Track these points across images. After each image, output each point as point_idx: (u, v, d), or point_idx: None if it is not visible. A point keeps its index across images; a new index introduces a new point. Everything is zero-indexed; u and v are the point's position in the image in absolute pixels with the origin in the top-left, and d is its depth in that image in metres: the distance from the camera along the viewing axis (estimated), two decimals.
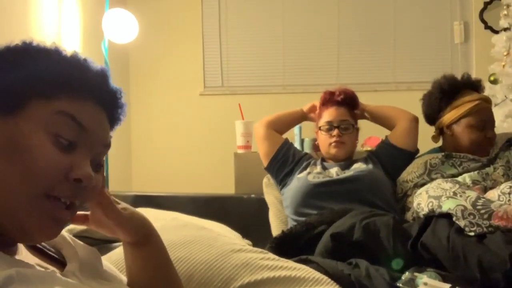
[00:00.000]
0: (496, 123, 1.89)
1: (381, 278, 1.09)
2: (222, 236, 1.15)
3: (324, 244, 1.33)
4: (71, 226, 1.26)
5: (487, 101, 1.84)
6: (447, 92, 1.82)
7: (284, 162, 1.92)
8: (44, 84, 0.62)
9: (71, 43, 2.66)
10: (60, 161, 0.60)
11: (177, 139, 3.63)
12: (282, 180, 1.92)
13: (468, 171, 1.68)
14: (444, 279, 1.08)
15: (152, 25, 3.41)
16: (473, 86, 1.85)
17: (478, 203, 1.32)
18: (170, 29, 3.62)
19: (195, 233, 1.12)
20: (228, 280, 0.96)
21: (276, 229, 1.88)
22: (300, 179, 1.79)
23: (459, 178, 1.62)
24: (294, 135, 2.38)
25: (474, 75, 1.89)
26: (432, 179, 1.67)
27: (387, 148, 1.90)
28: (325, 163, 1.89)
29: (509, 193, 1.39)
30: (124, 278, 0.80)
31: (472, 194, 1.38)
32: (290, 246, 1.42)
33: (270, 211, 1.99)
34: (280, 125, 2.02)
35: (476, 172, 1.66)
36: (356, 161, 1.86)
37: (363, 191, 1.71)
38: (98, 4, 2.80)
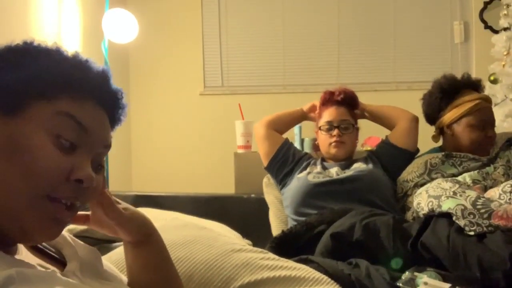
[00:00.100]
0: (496, 123, 1.89)
1: (381, 277, 1.09)
2: (222, 236, 1.15)
3: (324, 244, 1.34)
4: (72, 226, 1.26)
5: (487, 100, 1.84)
6: (447, 91, 1.82)
7: (284, 162, 1.92)
8: (45, 84, 0.62)
9: (71, 43, 2.66)
10: (61, 162, 0.60)
11: (177, 139, 3.63)
12: (282, 180, 1.92)
13: (468, 170, 1.68)
14: (444, 279, 1.08)
15: (152, 25, 3.41)
16: (474, 85, 1.85)
17: (478, 203, 1.32)
18: (170, 29, 3.62)
19: (195, 233, 1.12)
20: (228, 280, 0.96)
21: (276, 229, 1.89)
22: (300, 179, 1.79)
23: (459, 178, 1.62)
24: (294, 135, 2.39)
25: (474, 75, 1.89)
26: (432, 179, 1.67)
27: (387, 148, 1.90)
28: (325, 163, 1.89)
29: (510, 192, 1.39)
30: (124, 278, 0.80)
31: (472, 194, 1.38)
32: (290, 246, 1.42)
33: (270, 211, 1.99)
34: (280, 125, 2.02)
35: (476, 171, 1.66)
36: (356, 161, 1.86)
37: (363, 191, 1.71)
38: (98, 4, 2.81)
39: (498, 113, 2.54)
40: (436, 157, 1.76)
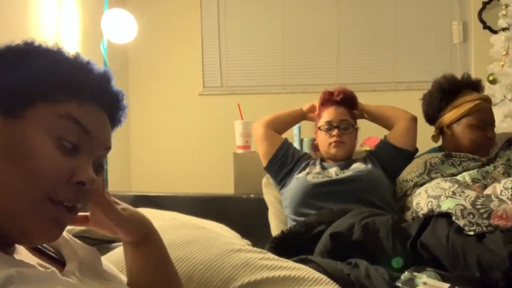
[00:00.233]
0: (495, 123, 1.89)
1: (380, 277, 1.09)
2: (222, 236, 1.15)
3: (324, 244, 1.34)
4: (71, 227, 1.26)
5: (487, 101, 1.84)
6: (447, 91, 1.82)
7: (283, 162, 1.92)
8: (47, 86, 0.61)
9: (70, 43, 2.66)
10: (63, 165, 0.60)
11: (176, 139, 3.63)
12: (281, 180, 1.92)
13: (467, 170, 1.68)
14: (444, 279, 1.08)
15: (151, 25, 3.41)
16: (473, 86, 1.85)
17: (477, 203, 1.32)
18: (169, 29, 3.62)
19: (195, 233, 1.12)
20: (227, 280, 0.96)
21: (275, 229, 1.88)
22: (299, 179, 1.79)
23: (459, 177, 1.62)
24: (293, 135, 2.38)
25: (473, 75, 1.89)
26: (432, 179, 1.67)
27: (386, 148, 1.90)
28: (324, 163, 1.89)
29: (511, 188, 1.39)
30: (124, 278, 0.80)
31: (472, 194, 1.38)
32: (289, 246, 1.42)
33: (269, 211, 1.99)
34: (279, 125, 2.02)
35: (475, 170, 1.66)
36: (355, 161, 1.86)
37: (362, 191, 1.71)
38: (97, 4, 2.80)
39: (497, 113, 2.54)
40: (435, 157, 1.76)
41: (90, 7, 2.88)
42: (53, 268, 0.60)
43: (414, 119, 1.91)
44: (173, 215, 1.63)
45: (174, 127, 3.64)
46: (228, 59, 3.66)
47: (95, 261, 0.74)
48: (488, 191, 1.49)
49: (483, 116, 1.78)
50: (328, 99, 1.92)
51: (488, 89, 2.66)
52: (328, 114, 1.89)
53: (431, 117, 1.90)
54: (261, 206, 2.03)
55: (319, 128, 1.90)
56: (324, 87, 2.01)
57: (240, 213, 2.12)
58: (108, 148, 0.68)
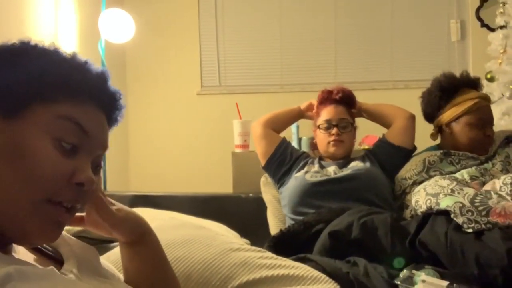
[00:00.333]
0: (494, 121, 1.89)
1: (379, 276, 1.09)
2: (220, 235, 1.15)
3: (322, 243, 1.34)
4: (69, 227, 1.26)
5: (486, 99, 1.84)
6: (446, 90, 1.83)
7: (282, 161, 1.92)
8: (45, 87, 0.61)
9: (67, 43, 2.66)
10: (62, 166, 0.60)
11: (174, 139, 3.63)
12: (280, 179, 1.92)
13: (466, 168, 1.69)
14: (442, 276, 1.08)
15: (149, 25, 3.41)
16: (472, 84, 1.85)
17: (476, 200, 1.33)
18: (167, 29, 3.62)
19: (193, 232, 1.12)
20: (226, 279, 0.96)
21: (274, 228, 1.88)
22: (298, 178, 1.79)
23: (457, 174, 1.63)
24: (291, 134, 2.38)
25: (471, 73, 1.89)
26: (430, 177, 1.67)
27: (385, 146, 1.90)
28: (322, 162, 1.89)
29: (511, 184, 1.39)
30: (122, 276, 0.80)
31: (470, 191, 1.38)
32: (288, 245, 1.42)
33: (268, 210, 1.99)
34: (278, 124, 2.02)
35: (474, 168, 1.66)
36: (353, 160, 1.86)
37: (361, 189, 1.71)
38: (95, 4, 2.80)
39: (495, 111, 2.54)
40: (434, 155, 1.77)
41: (88, 7, 2.88)
42: (51, 266, 0.60)
43: (412, 117, 1.91)
44: (171, 214, 1.63)
45: (172, 126, 3.64)
46: (226, 58, 3.66)
47: (93, 259, 0.74)
48: (487, 187, 1.50)
49: (482, 115, 1.79)
50: (327, 98, 1.92)
51: (486, 87, 2.66)
52: (327, 113, 1.89)
53: (430, 115, 1.90)
54: (259, 205, 2.03)
55: (318, 127, 1.90)
56: (322, 86, 2.01)
57: (239, 212, 2.11)
58: (105, 148, 0.68)
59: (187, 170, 3.54)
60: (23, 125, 0.59)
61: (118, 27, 2.63)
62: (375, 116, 2.00)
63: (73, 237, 0.75)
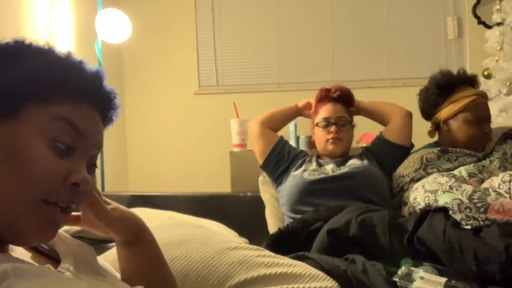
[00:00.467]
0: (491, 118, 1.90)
1: (377, 273, 1.09)
2: (218, 234, 1.14)
3: (321, 241, 1.33)
4: (67, 227, 1.25)
5: (483, 96, 1.84)
6: (443, 87, 1.83)
7: (280, 160, 1.92)
8: (40, 86, 0.61)
9: (64, 43, 2.65)
10: (58, 167, 0.60)
11: (172, 139, 3.63)
12: (278, 178, 1.92)
13: (463, 165, 1.69)
14: (441, 273, 1.08)
15: (145, 25, 3.40)
16: (470, 81, 1.86)
17: (474, 197, 1.33)
18: (164, 29, 3.61)
19: (191, 231, 1.12)
20: (224, 277, 0.96)
21: (272, 227, 1.89)
22: (296, 177, 1.79)
23: (455, 172, 1.63)
24: (289, 133, 2.38)
25: (468, 70, 1.89)
26: (428, 174, 1.68)
27: (382, 144, 1.90)
28: (320, 160, 1.89)
29: (509, 181, 1.39)
30: (119, 275, 0.80)
31: (468, 188, 1.38)
32: (286, 243, 1.42)
33: (266, 208, 1.99)
34: (275, 123, 2.01)
35: (472, 165, 1.66)
36: (351, 158, 1.86)
37: (359, 187, 1.71)
38: (91, 4, 2.80)
39: (493, 108, 2.54)
40: (431, 152, 1.77)
41: (84, 7, 2.87)
42: (48, 264, 0.60)
43: (409, 115, 1.91)
44: (170, 214, 1.63)
45: (170, 126, 3.64)
46: (223, 58, 3.66)
47: (90, 257, 0.73)
48: (485, 184, 1.50)
49: (479, 112, 1.79)
50: (325, 96, 1.92)
51: (483, 84, 2.66)
52: (325, 111, 1.89)
53: (428, 112, 1.90)
54: (258, 204, 2.03)
55: (317, 125, 1.90)
56: (320, 85, 2.01)
57: (237, 211, 2.11)
58: (100, 148, 0.68)
59: (185, 170, 3.54)
60: (18, 125, 0.59)
61: (115, 27, 2.63)
62: (372, 114, 2.00)
63: (69, 236, 0.75)
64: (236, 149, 2.40)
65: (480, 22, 3.31)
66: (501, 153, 1.74)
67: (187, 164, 3.57)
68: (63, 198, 0.61)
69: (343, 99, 1.91)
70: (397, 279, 1.07)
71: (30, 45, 0.64)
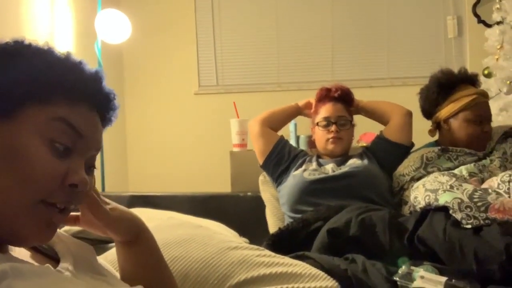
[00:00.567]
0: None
1: (377, 272, 1.09)
2: (218, 234, 1.14)
3: (321, 240, 1.33)
4: (67, 227, 1.25)
5: (484, 95, 1.84)
6: (444, 86, 1.83)
7: (280, 160, 1.92)
8: (39, 87, 0.61)
9: (64, 43, 2.65)
10: (56, 168, 0.60)
11: (172, 139, 3.63)
12: (278, 178, 1.92)
13: (464, 164, 1.69)
14: (441, 272, 1.08)
15: (145, 25, 3.40)
16: (470, 80, 1.86)
17: (474, 196, 1.32)
18: (164, 29, 3.61)
19: (191, 231, 1.11)
20: (224, 277, 0.95)
21: (272, 227, 1.88)
22: (296, 176, 1.79)
23: (456, 171, 1.62)
24: (289, 132, 2.38)
25: (468, 69, 1.89)
26: (428, 173, 1.67)
27: (382, 143, 1.90)
28: (320, 160, 1.89)
29: (508, 182, 1.39)
30: (118, 275, 0.80)
31: (469, 187, 1.38)
32: (286, 243, 1.42)
33: (266, 208, 1.99)
34: (275, 122, 2.01)
35: (472, 164, 1.66)
36: (351, 157, 1.86)
37: (359, 187, 1.71)
38: (91, 5, 2.80)
39: (493, 106, 2.54)
40: (432, 151, 1.77)
41: (84, 7, 2.87)
42: (47, 264, 0.60)
43: (409, 114, 1.91)
44: (170, 214, 1.63)
45: (170, 126, 3.64)
46: (223, 57, 3.66)
47: (89, 256, 0.73)
48: (485, 185, 1.50)
49: (480, 111, 1.79)
50: (325, 96, 1.92)
51: (484, 83, 2.66)
52: (325, 110, 1.89)
53: (428, 111, 1.90)
54: (258, 204, 2.03)
55: (317, 124, 1.90)
56: (320, 84, 2.01)
57: (238, 211, 2.11)
58: (99, 148, 0.68)
59: (185, 170, 3.54)
60: (16, 126, 0.59)
61: (115, 28, 2.63)
62: (372, 113, 2.00)
63: (68, 235, 0.75)
64: (236, 149, 2.40)
65: (480, 21, 3.30)
66: (501, 152, 1.74)
67: (187, 164, 3.57)
68: (61, 199, 0.61)
69: (343, 98, 1.91)
70: (397, 279, 1.07)
71: (29, 45, 0.64)
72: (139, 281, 0.76)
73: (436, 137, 1.94)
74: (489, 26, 3.00)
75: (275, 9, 3.60)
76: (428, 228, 1.27)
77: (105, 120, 0.71)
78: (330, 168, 1.79)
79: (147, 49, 3.59)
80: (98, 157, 0.70)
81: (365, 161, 1.81)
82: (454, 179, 1.46)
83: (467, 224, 1.27)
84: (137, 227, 0.79)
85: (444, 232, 1.22)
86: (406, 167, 1.77)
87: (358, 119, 2.00)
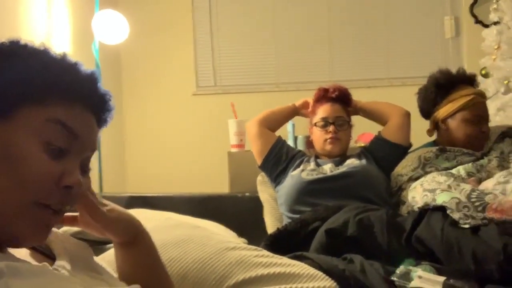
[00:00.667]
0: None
1: (375, 272, 1.09)
2: (216, 235, 1.14)
3: (319, 240, 1.33)
4: (66, 227, 1.25)
5: (482, 95, 1.85)
6: (442, 86, 1.83)
7: (278, 160, 1.92)
8: (35, 88, 0.61)
9: (61, 44, 2.65)
10: (51, 170, 0.60)
11: (170, 140, 3.62)
12: (276, 178, 1.92)
13: (462, 164, 1.69)
14: (439, 272, 1.08)
15: (143, 26, 3.40)
16: (468, 80, 1.86)
17: (472, 196, 1.33)
18: (162, 30, 3.61)
19: (189, 232, 1.11)
20: (222, 278, 0.95)
21: (271, 227, 1.88)
22: (294, 177, 1.79)
23: (454, 170, 1.63)
24: (287, 133, 2.38)
25: (465, 70, 1.90)
26: (426, 173, 1.67)
27: (380, 143, 1.90)
28: (318, 160, 1.89)
29: (504, 182, 1.39)
30: (115, 275, 0.80)
31: (467, 187, 1.38)
32: (285, 243, 1.42)
33: (264, 209, 1.99)
34: (272, 123, 2.01)
35: (470, 164, 1.66)
36: (349, 157, 1.86)
37: (357, 187, 1.71)
38: (88, 5, 2.79)
39: (490, 106, 2.54)
40: (430, 151, 1.77)
41: (81, 8, 2.87)
42: (44, 263, 0.60)
43: (408, 114, 1.92)
44: (168, 215, 1.62)
45: (168, 127, 3.63)
46: (221, 58, 3.65)
47: (86, 255, 0.73)
48: (481, 187, 1.50)
49: (478, 111, 1.79)
50: (323, 96, 1.92)
51: (481, 83, 2.66)
52: (323, 111, 1.89)
53: (426, 111, 1.91)
54: (256, 205, 2.03)
55: (315, 125, 1.90)
56: (318, 85, 2.01)
57: (236, 211, 2.11)
58: (94, 150, 0.68)
59: (183, 171, 3.54)
60: (11, 127, 0.59)
61: (112, 28, 2.63)
62: (370, 114, 2.00)
63: (65, 234, 0.75)
64: (234, 150, 2.40)
65: (477, 21, 3.31)
66: (499, 152, 1.75)
67: (185, 164, 3.57)
68: (56, 200, 0.61)
69: (341, 99, 1.92)
70: (395, 278, 1.07)
71: (25, 45, 0.64)
72: (136, 282, 0.76)
73: (434, 137, 1.94)
74: (486, 26, 3.01)
75: (273, 9, 3.60)
76: (426, 228, 1.27)
77: (101, 121, 0.71)
78: (328, 168, 1.79)
79: (144, 49, 3.58)
80: (95, 157, 0.70)
81: (363, 161, 1.81)
82: (452, 179, 1.46)
83: (465, 224, 1.27)
84: (135, 228, 0.79)
85: (442, 232, 1.22)
86: (404, 167, 1.77)
87: (356, 119, 2.01)
